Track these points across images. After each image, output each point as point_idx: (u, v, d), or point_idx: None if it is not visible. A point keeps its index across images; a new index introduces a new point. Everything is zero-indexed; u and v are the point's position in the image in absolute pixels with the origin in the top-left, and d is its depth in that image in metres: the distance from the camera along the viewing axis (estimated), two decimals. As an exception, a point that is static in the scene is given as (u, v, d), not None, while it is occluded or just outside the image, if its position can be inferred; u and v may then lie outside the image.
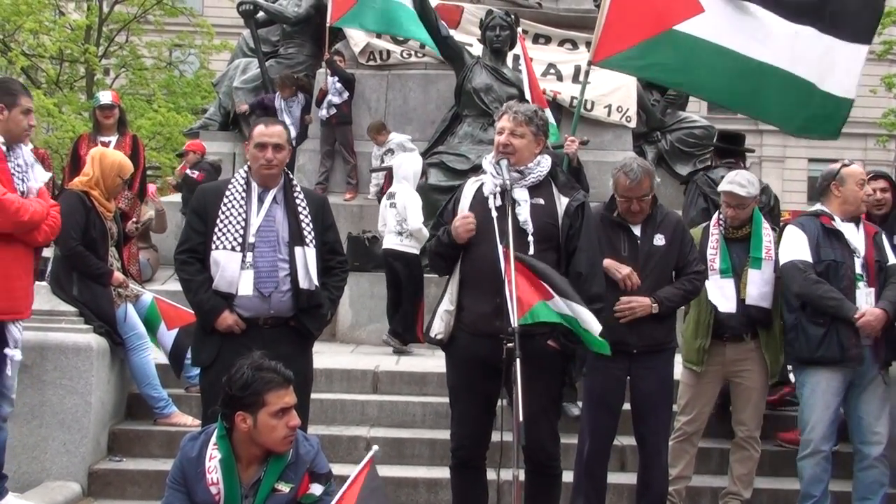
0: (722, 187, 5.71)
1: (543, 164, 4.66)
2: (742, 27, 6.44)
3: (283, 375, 3.69)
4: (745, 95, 6.65)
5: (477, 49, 9.79)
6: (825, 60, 6.51)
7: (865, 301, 5.34)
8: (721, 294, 5.53)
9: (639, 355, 5.19)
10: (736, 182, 5.63)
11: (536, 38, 10.91)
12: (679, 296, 5.25)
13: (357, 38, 11.10)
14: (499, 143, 4.62)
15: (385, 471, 6.10)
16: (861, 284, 5.38)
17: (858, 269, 5.40)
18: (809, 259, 5.41)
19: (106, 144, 7.74)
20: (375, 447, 3.90)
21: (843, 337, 5.29)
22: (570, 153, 6.95)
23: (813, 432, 5.44)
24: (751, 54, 6.44)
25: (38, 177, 5.24)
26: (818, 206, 5.65)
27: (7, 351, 5.08)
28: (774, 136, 37.86)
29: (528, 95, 8.28)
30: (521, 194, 4.52)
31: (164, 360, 6.67)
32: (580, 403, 5.81)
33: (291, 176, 4.91)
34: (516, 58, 9.53)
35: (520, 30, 9.38)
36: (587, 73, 6.96)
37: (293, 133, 10.79)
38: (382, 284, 8.94)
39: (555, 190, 4.65)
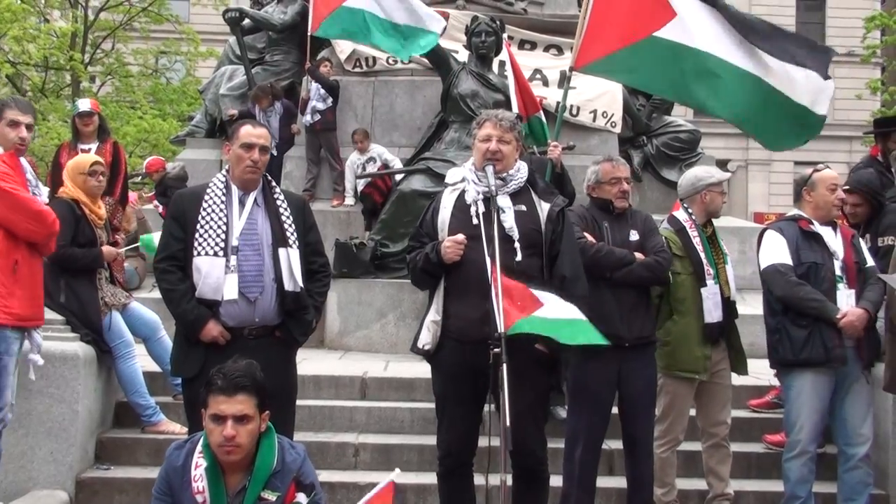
0: (717, 178, 5.76)
1: (522, 170, 4.72)
2: (717, 32, 6.51)
3: (232, 383, 3.62)
4: (725, 101, 6.69)
5: (463, 55, 9.82)
6: (792, 78, 6.55)
7: (846, 302, 5.38)
8: (713, 304, 5.53)
9: (629, 350, 5.24)
10: (716, 170, 5.92)
11: (522, 44, 10.94)
12: (640, 267, 5.32)
13: (343, 45, 11.11)
14: (487, 150, 4.63)
15: (373, 477, 6.13)
16: (841, 286, 5.42)
17: (838, 271, 5.44)
18: (790, 262, 5.46)
19: (86, 151, 7.71)
20: (397, 470, 3.85)
21: (826, 338, 5.33)
22: (553, 158, 6.99)
23: (801, 433, 5.46)
24: (728, 59, 6.49)
25: (43, 192, 5.42)
26: (795, 211, 5.72)
27: (31, 356, 5.23)
28: (760, 140, 37.98)
29: (513, 101, 8.30)
30: (504, 201, 4.56)
31: (152, 367, 6.66)
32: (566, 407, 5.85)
33: (270, 178, 4.86)
34: (502, 64, 9.56)
35: (505, 36, 9.42)
36: (569, 78, 7.00)
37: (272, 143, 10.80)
38: (370, 291, 8.97)
39: (534, 196, 4.71)
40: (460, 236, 4.49)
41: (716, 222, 5.90)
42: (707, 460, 5.82)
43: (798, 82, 6.48)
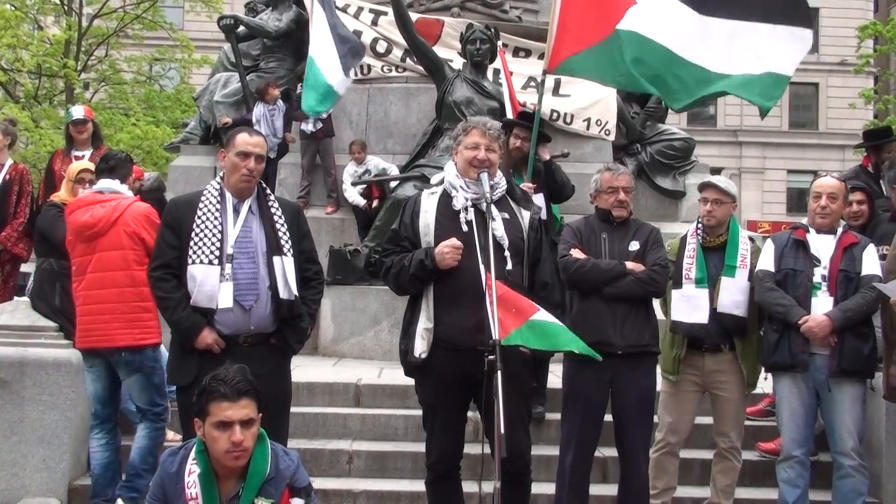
0: (702, 182, 5.83)
1: (503, 180, 4.75)
2: (677, 22, 6.56)
3: (235, 389, 3.62)
4: (685, 91, 6.78)
5: (458, 63, 9.84)
6: (764, 46, 6.66)
7: (822, 309, 5.37)
8: (689, 305, 5.54)
9: (623, 359, 5.21)
10: (716, 177, 5.88)
11: (516, 52, 10.96)
12: (631, 282, 5.30)
13: (337, 52, 11.12)
14: (474, 158, 4.63)
15: (367, 484, 6.16)
16: (820, 293, 5.43)
17: (817, 278, 5.46)
18: (772, 269, 5.55)
19: (80, 159, 7.69)
20: None
21: (793, 343, 5.41)
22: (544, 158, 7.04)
23: (783, 437, 5.61)
24: (687, 56, 6.57)
25: None
26: (804, 220, 5.78)
27: None
28: (754, 148, 38.22)
29: (508, 108, 8.32)
30: (492, 209, 4.55)
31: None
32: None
33: (265, 186, 4.85)
34: (497, 71, 9.59)
35: (500, 43, 9.44)
36: (542, 82, 7.05)
37: (271, 144, 10.78)
38: (364, 298, 8.96)
39: (513, 205, 4.74)
40: (456, 241, 4.47)
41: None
42: (713, 467, 5.85)
43: (762, 47, 6.56)
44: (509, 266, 4.50)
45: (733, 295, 5.56)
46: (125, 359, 5.55)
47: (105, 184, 5.84)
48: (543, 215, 6.45)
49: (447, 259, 4.46)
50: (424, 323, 4.60)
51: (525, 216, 4.71)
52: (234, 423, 3.59)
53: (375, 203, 10.02)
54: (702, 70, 6.61)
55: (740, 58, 6.63)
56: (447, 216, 4.62)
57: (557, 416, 5.75)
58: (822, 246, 5.53)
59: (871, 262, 5.49)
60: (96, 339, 5.57)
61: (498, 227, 4.52)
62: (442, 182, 4.77)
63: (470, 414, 4.87)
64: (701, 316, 5.52)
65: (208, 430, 3.63)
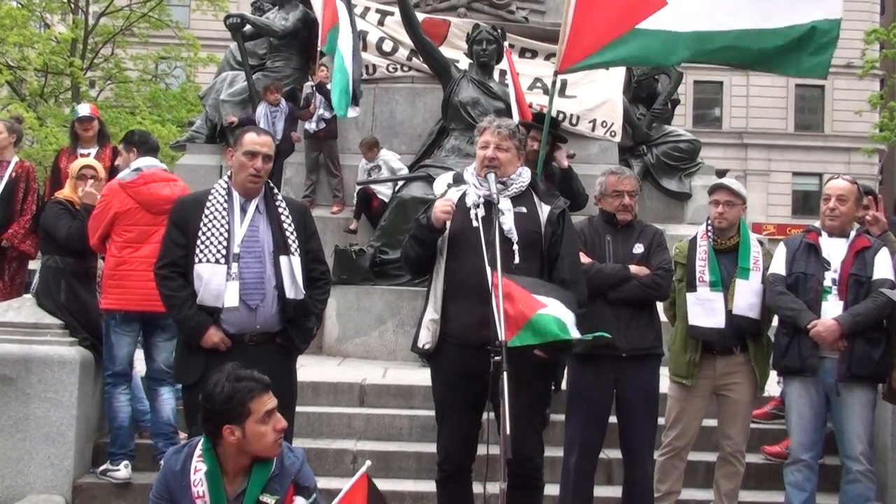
0: (713, 184, 5.81)
1: (524, 175, 4.77)
2: (707, 7, 6.47)
3: (262, 381, 3.68)
4: (721, 56, 6.68)
5: (464, 63, 9.83)
6: None
7: (832, 313, 5.34)
8: (705, 309, 5.51)
9: (627, 361, 5.24)
10: (726, 179, 5.89)
11: (523, 53, 10.95)
12: (635, 286, 5.31)
13: (343, 52, 11.11)
14: (484, 157, 4.67)
15: (371, 484, 6.12)
16: (830, 297, 5.39)
17: (828, 282, 5.42)
18: (783, 273, 5.53)
19: (86, 156, 7.70)
20: (368, 462, 3.90)
21: (803, 347, 5.39)
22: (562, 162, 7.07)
23: (792, 440, 5.59)
24: (720, 28, 6.45)
25: None
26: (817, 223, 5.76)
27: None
28: (759, 151, 38.17)
29: (514, 109, 8.31)
30: (504, 203, 4.59)
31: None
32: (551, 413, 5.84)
33: (272, 185, 4.85)
34: (503, 72, 9.58)
35: (506, 44, 9.44)
36: (554, 82, 7.03)
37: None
38: (369, 298, 8.96)
39: (535, 199, 4.74)
40: (449, 200, 4.58)
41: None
42: (716, 471, 5.82)
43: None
44: (517, 260, 4.51)
45: (748, 297, 5.53)
46: None
47: (156, 162, 6.21)
48: None
49: (438, 214, 4.54)
50: (430, 314, 4.65)
51: (545, 210, 4.71)
52: (274, 410, 3.68)
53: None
54: (738, 32, 6.45)
55: (780, 12, 6.39)
56: (463, 210, 4.65)
57: (562, 417, 5.76)
58: (834, 249, 5.49)
59: (883, 265, 5.43)
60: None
61: (507, 222, 4.54)
62: (456, 182, 4.84)
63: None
64: (717, 320, 5.49)
65: (252, 428, 3.61)
